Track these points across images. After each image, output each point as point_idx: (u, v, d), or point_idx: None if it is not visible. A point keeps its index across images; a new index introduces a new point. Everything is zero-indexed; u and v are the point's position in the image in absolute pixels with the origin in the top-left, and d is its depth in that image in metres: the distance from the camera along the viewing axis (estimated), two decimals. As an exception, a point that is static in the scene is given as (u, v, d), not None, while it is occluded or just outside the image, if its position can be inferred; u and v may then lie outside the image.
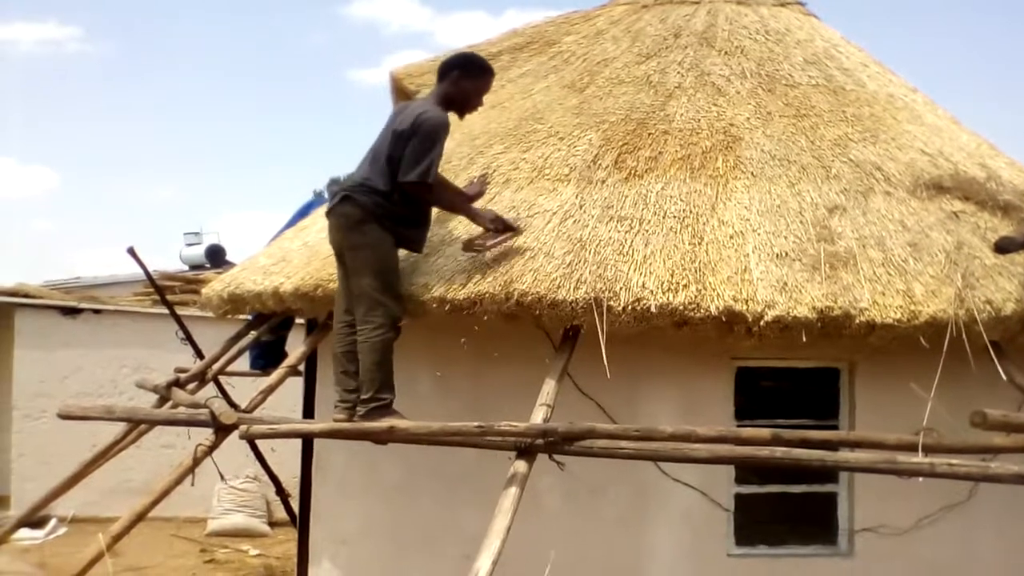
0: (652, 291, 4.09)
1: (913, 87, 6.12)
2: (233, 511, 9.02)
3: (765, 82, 5.54)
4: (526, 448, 3.72)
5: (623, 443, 3.76)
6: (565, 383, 4.12)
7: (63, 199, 40.52)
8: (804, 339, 4.11)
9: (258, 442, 6.98)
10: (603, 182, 4.75)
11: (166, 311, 6.64)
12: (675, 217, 4.50)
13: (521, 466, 3.65)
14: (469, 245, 4.36)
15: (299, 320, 5.62)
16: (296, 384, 5.29)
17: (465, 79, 4.36)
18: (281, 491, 7.89)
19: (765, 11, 6.26)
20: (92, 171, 39.39)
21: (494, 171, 4.98)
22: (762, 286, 4.15)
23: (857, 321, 4.09)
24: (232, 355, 5.44)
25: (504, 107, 5.68)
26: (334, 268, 4.40)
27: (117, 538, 4.22)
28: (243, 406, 4.58)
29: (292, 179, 41.39)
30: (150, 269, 6.48)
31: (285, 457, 7.54)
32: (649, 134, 5.07)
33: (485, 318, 4.19)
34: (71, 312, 9.71)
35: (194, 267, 13.24)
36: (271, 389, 4.66)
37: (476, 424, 3.72)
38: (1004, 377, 4.13)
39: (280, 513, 8.56)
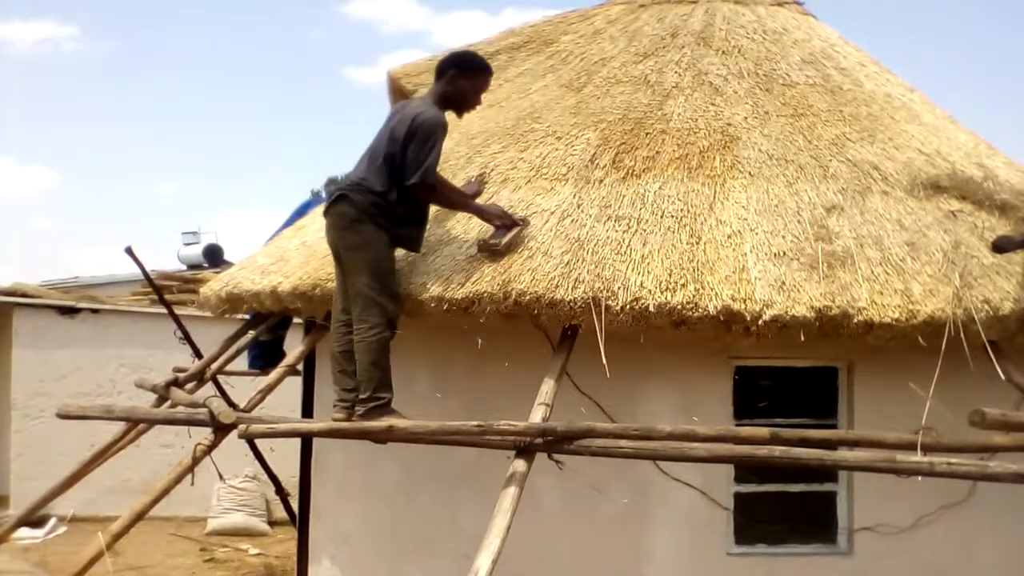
0: (650, 290, 4.10)
1: (911, 86, 6.12)
2: (233, 510, 9.02)
3: (762, 82, 5.54)
4: (525, 447, 3.72)
5: (622, 442, 3.76)
6: (564, 382, 4.12)
7: (61, 198, 40.59)
8: (802, 338, 4.11)
9: (257, 441, 6.98)
10: (601, 181, 4.75)
11: (164, 311, 6.64)
12: (673, 216, 4.50)
13: (520, 465, 3.66)
14: (485, 246, 4.35)
15: (297, 320, 5.62)
16: (295, 383, 5.30)
17: (462, 78, 4.37)
18: (280, 490, 7.89)
19: (762, 10, 6.26)
20: (90, 170, 39.47)
21: (492, 170, 4.98)
22: (760, 285, 4.15)
23: (855, 320, 4.10)
24: (230, 355, 5.44)
25: (501, 106, 5.68)
26: (332, 267, 4.40)
27: (117, 537, 4.23)
28: (242, 405, 4.58)
29: (290, 178, 41.45)
30: (148, 268, 6.49)
31: (284, 456, 7.54)
32: (647, 133, 5.08)
33: (483, 318, 4.20)
34: (69, 312, 9.71)
35: (192, 267, 13.24)
36: (270, 388, 4.66)
37: (475, 423, 3.72)
38: (1002, 376, 4.14)
39: (280, 512, 8.56)
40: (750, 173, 4.81)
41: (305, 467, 5.31)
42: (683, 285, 4.12)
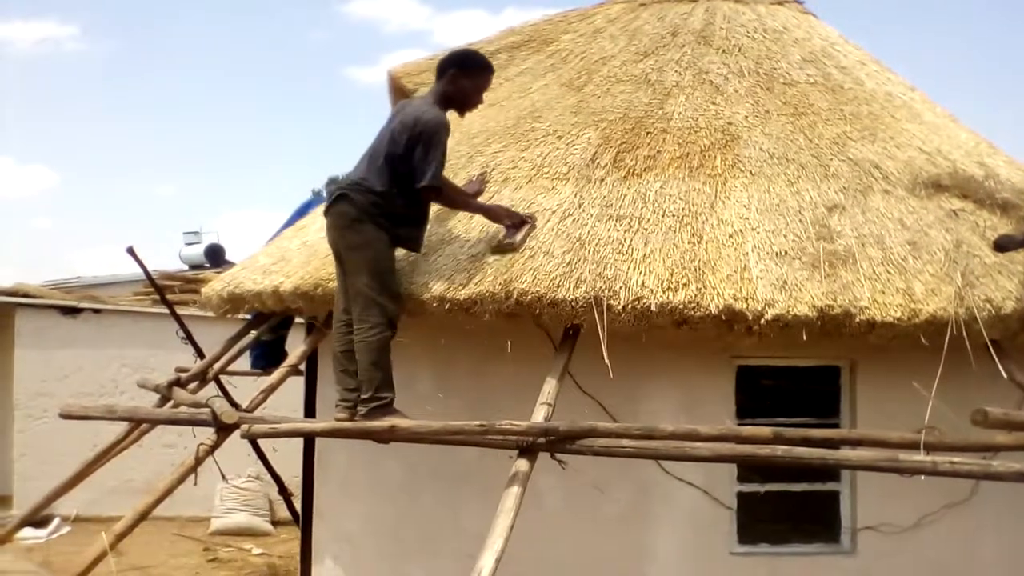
0: (652, 290, 4.10)
1: (911, 85, 6.12)
2: (236, 510, 9.03)
3: (763, 80, 5.54)
4: (528, 447, 3.73)
5: (624, 442, 3.77)
6: (566, 382, 4.12)
7: (62, 198, 40.56)
8: (804, 337, 4.11)
9: (260, 441, 6.98)
10: (602, 181, 4.75)
11: (166, 311, 6.64)
12: (674, 216, 4.50)
13: (523, 465, 3.66)
14: (499, 246, 4.35)
15: (299, 319, 5.62)
16: (297, 383, 5.30)
17: (464, 77, 4.36)
18: (283, 490, 7.88)
19: (763, 9, 6.25)
20: (91, 170, 39.45)
21: (493, 170, 4.98)
22: (762, 285, 4.15)
23: (857, 319, 4.10)
24: (233, 355, 5.45)
25: (502, 105, 5.68)
26: (333, 267, 4.40)
27: (120, 537, 4.24)
28: (244, 405, 4.59)
29: (290, 178, 41.43)
30: (150, 268, 6.49)
31: (287, 456, 7.54)
32: (647, 133, 5.07)
33: (485, 317, 4.20)
34: (71, 312, 9.72)
35: (193, 266, 13.23)
36: (272, 388, 4.67)
37: (478, 423, 3.73)
38: (1005, 375, 4.13)
39: (283, 512, 8.56)
40: (751, 172, 4.80)
41: (308, 467, 5.31)
42: (685, 284, 4.12)
